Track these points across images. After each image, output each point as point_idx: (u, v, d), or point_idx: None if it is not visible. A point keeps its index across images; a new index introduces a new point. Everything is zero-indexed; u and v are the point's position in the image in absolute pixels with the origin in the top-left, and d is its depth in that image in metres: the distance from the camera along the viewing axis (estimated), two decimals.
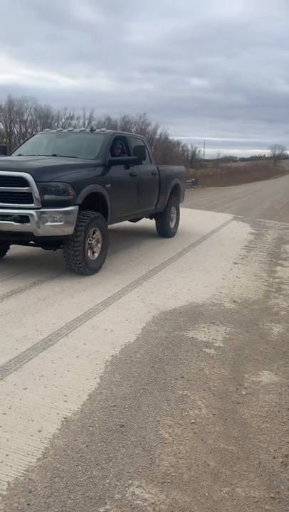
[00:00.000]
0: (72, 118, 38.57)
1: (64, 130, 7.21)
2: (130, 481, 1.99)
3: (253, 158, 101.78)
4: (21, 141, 23.33)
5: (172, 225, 8.12)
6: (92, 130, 6.70)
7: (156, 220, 7.88)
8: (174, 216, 8.18)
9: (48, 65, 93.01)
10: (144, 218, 7.75)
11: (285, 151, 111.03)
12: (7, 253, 6.07)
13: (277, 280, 5.48)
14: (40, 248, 5.60)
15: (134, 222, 7.84)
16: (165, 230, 7.91)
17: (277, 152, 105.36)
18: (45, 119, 36.74)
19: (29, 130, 35.23)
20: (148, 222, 8.00)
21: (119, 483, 1.97)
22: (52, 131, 7.47)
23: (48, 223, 4.79)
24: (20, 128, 36.74)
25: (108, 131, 6.71)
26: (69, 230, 4.92)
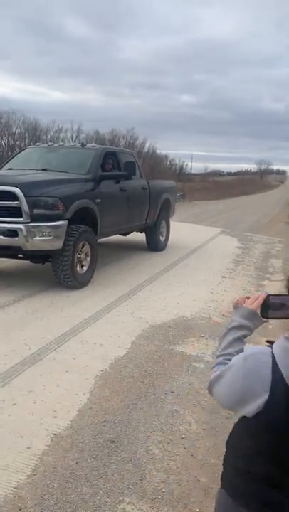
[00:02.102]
0: (60, 131, 38.69)
1: (55, 145, 7.26)
2: (121, 498, 1.99)
3: (239, 173, 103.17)
4: (10, 153, 23.21)
5: (162, 238, 8.18)
6: (82, 145, 6.77)
7: (146, 233, 7.93)
8: (164, 230, 8.24)
9: (37, 79, 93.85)
10: (135, 232, 7.80)
11: (270, 166, 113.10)
12: None
13: None
14: (28, 261, 5.59)
15: (125, 235, 7.88)
16: (155, 244, 7.95)
17: (262, 167, 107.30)
18: (33, 132, 36.78)
19: (17, 143, 35.21)
20: (138, 236, 8.05)
21: (109, 500, 1.97)
22: (42, 145, 7.51)
23: (37, 238, 4.79)
24: (9, 140, 36.68)
25: (99, 146, 6.78)
26: (58, 244, 4.92)
